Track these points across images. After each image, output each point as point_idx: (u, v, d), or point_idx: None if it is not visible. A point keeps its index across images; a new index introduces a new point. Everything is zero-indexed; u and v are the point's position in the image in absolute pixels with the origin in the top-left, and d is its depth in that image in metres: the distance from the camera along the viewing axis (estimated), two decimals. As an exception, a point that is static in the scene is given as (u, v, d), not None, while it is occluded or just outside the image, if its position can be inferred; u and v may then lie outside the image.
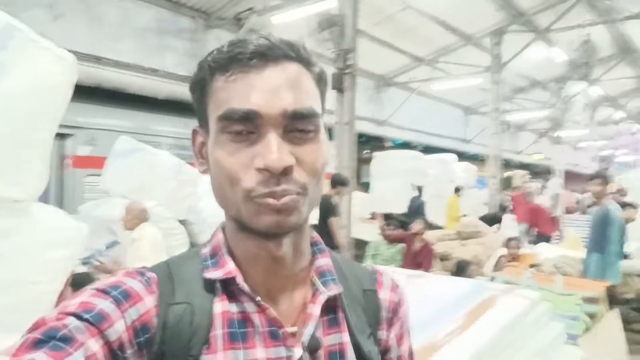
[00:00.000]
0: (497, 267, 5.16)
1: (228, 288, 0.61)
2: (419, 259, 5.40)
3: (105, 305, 0.54)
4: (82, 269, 3.62)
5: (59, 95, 1.47)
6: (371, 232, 7.48)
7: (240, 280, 0.60)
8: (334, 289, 0.65)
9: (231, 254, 0.64)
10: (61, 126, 6.47)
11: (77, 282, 1.90)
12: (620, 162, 26.23)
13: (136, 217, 4.00)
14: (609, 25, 12.46)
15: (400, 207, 9.00)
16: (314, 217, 7.09)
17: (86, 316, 0.52)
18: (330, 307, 0.66)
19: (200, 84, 0.61)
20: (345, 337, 0.66)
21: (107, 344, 0.53)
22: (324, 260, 0.68)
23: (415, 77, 13.73)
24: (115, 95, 7.88)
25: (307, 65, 0.62)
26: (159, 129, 8.17)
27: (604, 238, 4.42)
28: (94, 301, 0.54)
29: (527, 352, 2.16)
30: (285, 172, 0.55)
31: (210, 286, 0.61)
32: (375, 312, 0.72)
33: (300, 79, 0.60)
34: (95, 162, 6.57)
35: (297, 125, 0.58)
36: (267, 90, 0.57)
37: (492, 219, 7.87)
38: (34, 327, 0.52)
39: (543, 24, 11.87)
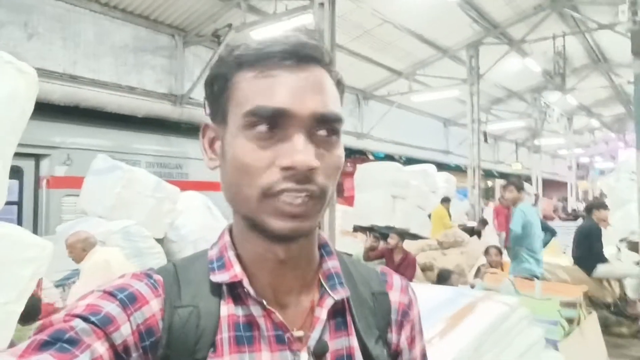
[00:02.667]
0: (478, 275, 5.19)
1: (234, 291, 0.61)
2: (400, 270, 5.39)
3: (111, 308, 0.54)
4: (56, 292, 3.52)
5: (20, 110, 1.44)
6: (353, 246, 7.48)
7: (246, 284, 0.60)
8: (341, 293, 0.64)
9: (238, 255, 0.63)
10: (37, 146, 6.39)
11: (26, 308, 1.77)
12: (597, 168, 26.79)
13: (78, 250, 3.75)
14: (580, 36, 12.81)
15: (383, 219, 9.01)
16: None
17: (93, 319, 0.52)
18: (338, 311, 0.65)
19: (222, 79, 0.60)
20: (353, 341, 0.65)
21: (113, 346, 0.53)
22: (332, 263, 0.68)
23: (394, 90, 13.88)
24: (93, 114, 7.81)
25: (329, 69, 0.62)
26: (138, 147, 8.10)
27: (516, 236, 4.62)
28: (100, 304, 0.54)
29: (507, 357, 2.16)
30: (309, 173, 0.55)
31: (216, 289, 0.61)
32: (385, 315, 0.70)
33: (326, 83, 0.60)
34: (72, 182, 6.47)
35: (322, 129, 0.58)
36: (296, 90, 0.57)
37: (471, 231, 7.93)
38: (41, 329, 0.52)
39: (517, 35, 12.15)
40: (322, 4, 6.75)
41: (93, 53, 7.89)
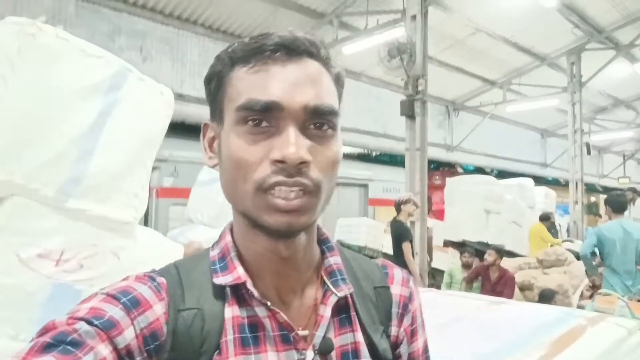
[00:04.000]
0: (584, 296, 4.86)
1: (238, 292, 0.60)
2: (498, 288, 5.19)
3: (115, 312, 0.54)
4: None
5: (160, 126, 1.65)
6: (446, 261, 7.31)
7: (250, 285, 0.59)
8: (344, 289, 0.64)
9: (240, 255, 0.63)
10: (148, 159, 6.91)
11: None
12: None
13: None
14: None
15: (475, 235, 8.72)
16: (386, 243, 7.03)
17: (96, 322, 0.52)
18: (342, 307, 0.65)
19: (218, 76, 0.61)
20: (359, 337, 0.64)
21: (116, 350, 0.52)
22: (334, 259, 0.67)
23: (487, 101, 13.43)
24: (197, 129, 8.35)
25: (327, 64, 0.61)
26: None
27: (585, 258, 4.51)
28: (104, 307, 0.54)
29: (624, 385, 2.02)
30: (300, 166, 0.55)
31: (220, 291, 0.60)
32: (387, 308, 0.70)
33: (321, 76, 0.59)
34: (178, 193, 6.98)
35: (316, 122, 0.57)
36: (289, 83, 0.56)
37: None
38: (44, 331, 0.51)
39: (625, 39, 11.26)
40: (414, 17, 6.78)
41: (197, 72, 8.51)
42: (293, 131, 0.55)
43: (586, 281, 5.23)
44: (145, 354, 0.55)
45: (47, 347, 0.49)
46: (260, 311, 0.60)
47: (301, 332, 0.61)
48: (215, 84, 0.61)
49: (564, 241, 7.98)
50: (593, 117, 16.05)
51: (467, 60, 11.67)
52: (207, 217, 5.23)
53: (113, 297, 0.56)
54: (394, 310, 0.71)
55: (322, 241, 0.69)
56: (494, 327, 2.09)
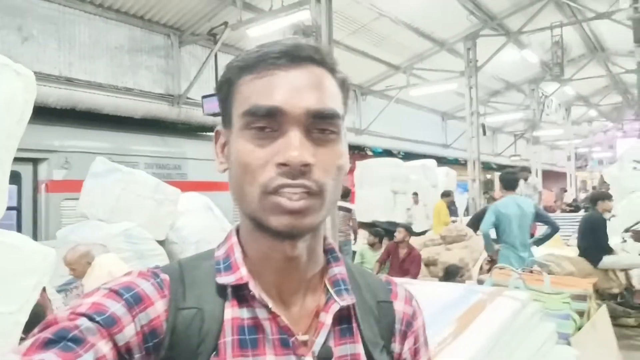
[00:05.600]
0: (483, 270, 5.15)
1: (239, 293, 0.61)
2: (405, 265, 5.37)
3: (117, 308, 0.54)
4: (58, 297, 3.47)
5: (18, 113, 1.40)
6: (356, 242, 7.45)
7: (252, 286, 0.59)
8: (347, 299, 0.64)
9: (244, 256, 0.63)
10: (34, 150, 6.33)
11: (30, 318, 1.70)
12: (596, 159, 26.78)
13: (85, 263, 3.64)
14: (577, 25, 12.75)
15: (384, 215, 8.98)
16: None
17: (98, 318, 0.52)
18: (344, 317, 0.65)
19: (227, 84, 0.62)
20: (359, 348, 0.64)
21: (117, 346, 0.53)
22: (339, 269, 0.67)
23: (392, 85, 13.82)
24: (90, 116, 7.75)
25: (332, 70, 0.63)
26: (136, 148, 8.05)
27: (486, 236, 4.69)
28: (106, 303, 0.54)
29: (521, 354, 2.12)
30: (304, 169, 0.56)
31: (221, 291, 0.61)
32: (390, 324, 0.70)
33: (325, 81, 0.61)
34: (71, 186, 6.42)
35: (319, 126, 0.59)
36: (291, 88, 0.58)
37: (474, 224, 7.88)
38: (45, 326, 0.52)
39: (514, 26, 12.08)
40: (318, 0, 6.70)
41: (88, 55, 7.83)
42: (296, 135, 0.57)
43: (485, 255, 5.55)
44: (145, 351, 0.55)
45: (48, 343, 0.49)
46: (261, 313, 0.60)
47: (301, 338, 0.61)
48: (225, 92, 0.63)
49: (452, 222, 8.47)
50: (488, 99, 17.18)
51: (372, 45, 11.88)
52: (103, 212, 4.84)
53: (116, 292, 0.56)
54: (397, 327, 0.71)
55: (328, 251, 0.69)
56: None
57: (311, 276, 0.65)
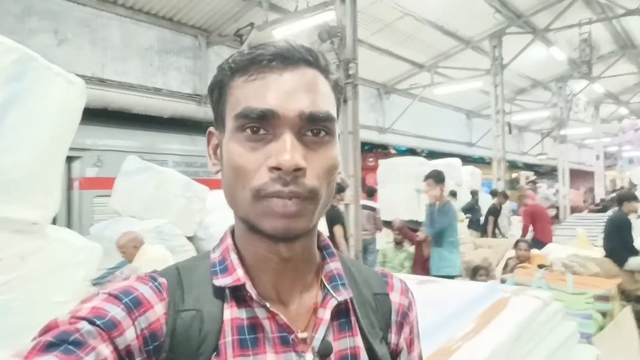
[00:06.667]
0: (507, 269, 5.15)
1: (237, 294, 0.61)
2: (429, 264, 5.39)
3: (116, 312, 0.54)
4: (94, 290, 3.64)
5: (71, 119, 1.53)
6: (378, 240, 7.49)
7: (249, 287, 0.60)
8: (344, 294, 0.65)
9: (240, 257, 0.64)
10: (68, 149, 6.53)
11: None
12: (626, 157, 26.06)
13: (130, 248, 4.02)
14: (607, 22, 12.49)
15: (407, 214, 8.98)
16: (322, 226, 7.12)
17: (98, 322, 0.52)
18: (341, 312, 0.66)
19: (219, 85, 0.62)
20: (358, 341, 0.65)
21: (117, 350, 0.53)
22: (334, 265, 0.68)
23: (416, 84, 13.77)
24: (121, 115, 7.98)
25: (325, 72, 0.63)
26: (165, 147, 8.26)
27: (440, 233, 4.68)
28: (106, 307, 0.54)
29: (541, 352, 2.16)
30: (296, 173, 0.55)
31: (219, 292, 0.61)
32: (386, 315, 0.72)
33: (318, 83, 0.60)
34: (103, 183, 6.64)
35: (312, 128, 0.58)
36: (285, 91, 0.57)
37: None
38: (46, 330, 0.52)
39: (541, 24, 11.91)
40: (343, 0, 6.76)
41: (120, 56, 8.06)
42: (289, 138, 0.56)
43: (508, 254, 5.55)
44: (145, 354, 0.55)
45: (49, 346, 0.49)
46: (260, 312, 0.60)
47: (300, 335, 0.61)
48: (217, 93, 0.63)
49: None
50: (514, 97, 16.94)
51: (396, 43, 11.87)
52: (135, 209, 5.02)
53: (115, 297, 0.56)
54: (393, 318, 0.72)
55: (323, 247, 0.70)
56: (425, 306, 2.17)
57: (307, 274, 0.66)
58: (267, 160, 0.56)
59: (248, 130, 0.57)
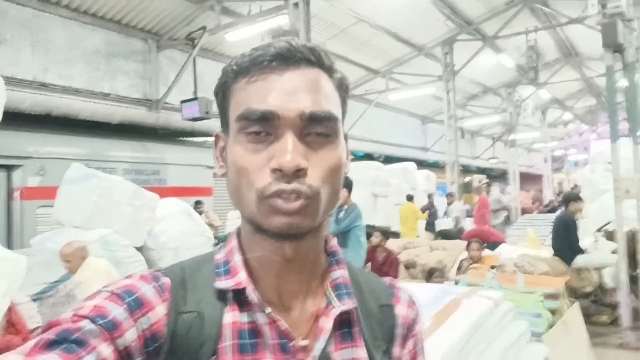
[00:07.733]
0: (461, 270, 5.22)
1: (239, 297, 0.60)
2: (384, 269, 5.40)
3: (118, 312, 0.54)
4: (33, 306, 3.42)
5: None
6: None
7: (250, 291, 0.59)
8: (348, 304, 0.63)
9: (245, 259, 0.63)
10: (8, 157, 6.21)
11: None
12: (571, 160, 27.33)
13: (77, 258, 3.76)
14: (551, 30, 13.03)
15: (364, 218, 9.00)
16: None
17: (100, 322, 0.52)
18: (345, 321, 0.64)
19: (223, 88, 0.62)
20: (361, 353, 0.64)
21: (117, 350, 0.53)
22: (341, 272, 0.67)
23: (371, 89, 13.92)
24: (66, 122, 7.64)
25: (328, 71, 0.62)
26: (114, 154, 7.97)
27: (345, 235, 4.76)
28: (108, 306, 0.54)
29: (493, 353, 2.16)
30: (297, 174, 0.55)
31: (222, 295, 0.61)
32: (391, 327, 0.70)
33: (320, 83, 0.60)
34: (46, 193, 6.32)
35: (315, 128, 0.58)
36: (285, 91, 0.57)
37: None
38: (48, 327, 0.52)
39: (490, 31, 12.30)
40: (296, 4, 6.74)
41: (64, 59, 7.73)
42: (290, 139, 0.56)
43: (461, 256, 5.63)
44: (145, 355, 0.55)
45: (51, 344, 0.49)
46: (261, 317, 0.59)
47: (301, 342, 0.60)
48: (221, 96, 0.63)
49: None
50: (465, 103, 17.41)
51: (351, 49, 11.96)
52: (79, 219, 4.77)
53: (117, 295, 0.56)
54: (398, 330, 0.70)
55: (331, 253, 0.68)
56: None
57: (312, 279, 0.65)
58: (269, 161, 0.56)
59: (250, 132, 0.58)
